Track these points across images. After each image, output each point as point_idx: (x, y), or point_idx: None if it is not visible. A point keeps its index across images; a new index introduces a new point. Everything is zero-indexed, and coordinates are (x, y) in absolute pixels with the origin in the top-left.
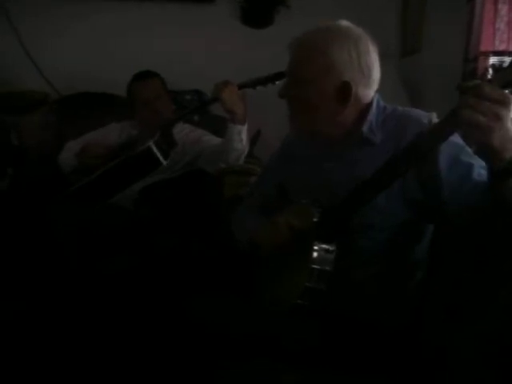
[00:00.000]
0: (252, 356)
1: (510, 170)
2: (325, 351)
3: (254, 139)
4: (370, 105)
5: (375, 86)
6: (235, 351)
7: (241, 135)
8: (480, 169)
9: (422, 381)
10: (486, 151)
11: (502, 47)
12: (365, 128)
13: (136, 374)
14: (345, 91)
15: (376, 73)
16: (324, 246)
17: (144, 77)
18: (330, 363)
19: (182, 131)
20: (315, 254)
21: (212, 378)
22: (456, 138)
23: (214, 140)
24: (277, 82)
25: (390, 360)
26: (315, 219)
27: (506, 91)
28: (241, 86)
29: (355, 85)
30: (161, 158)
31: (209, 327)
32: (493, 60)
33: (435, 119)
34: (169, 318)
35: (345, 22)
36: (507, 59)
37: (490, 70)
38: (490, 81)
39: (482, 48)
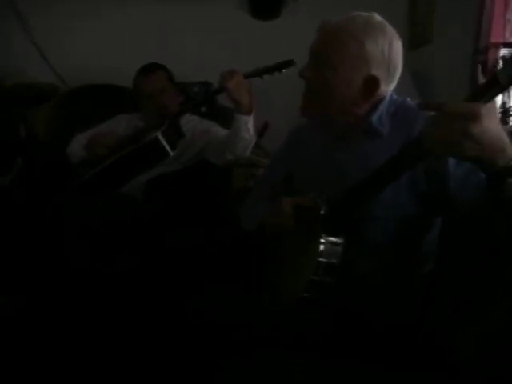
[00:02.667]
0: (258, 349)
1: (503, 176)
2: (332, 343)
3: (261, 131)
4: (383, 98)
5: (394, 84)
6: (241, 344)
7: (247, 125)
8: None
9: (429, 371)
10: (473, 163)
11: None
12: (374, 118)
13: (140, 366)
14: (371, 85)
15: (398, 73)
16: (331, 238)
17: (148, 70)
18: (337, 355)
19: (190, 123)
20: (322, 247)
21: (217, 370)
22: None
23: (221, 131)
24: (283, 71)
25: (397, 351)
26: (322, 212)
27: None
28: (247, 76)
29: (380, 81)
30: (168, 149)
31: (217, 320)
32: (503, 51)
33: None
34: (175, 311)
35: (381, 18)
36: None
37: (500, 62)
38: (495, 74)
39: (493, 39)
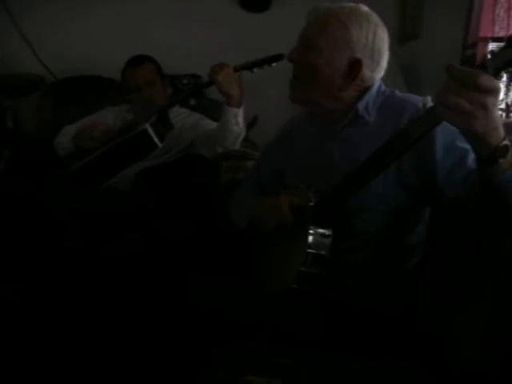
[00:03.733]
0: (250, 339)
1: (494, 157)
2: (322, 334)
3: (250, 124)
4: (371, 87)
5: (381, 73)
6: (233, 334)
7: (237, 118)
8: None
9: (418, 361)
10: (469, 137)
11: (501, 33)
12: (360, 105)
13: (134, 358)
14: (354, 68)
15: (384, 62)
16: (320, 230)
17: (136, 63)
18: (328, 346)
19: (179, 115)
20: (311, 239)
21: (210, 361)
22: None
23: (211, 124)
24: (273, 64)
25: (387, 341)
26: (312, 203)
27: (495, 80)
28: (237, 69)
29: (364, 66)
30: (156, 141)
31: (208, 310)
32: (492, 46)
33: (430, 103)
34: (168, 301)
35: (368, 9)
36: None
37: (489, 56)
38: (484, 66)
39: (482, 34)
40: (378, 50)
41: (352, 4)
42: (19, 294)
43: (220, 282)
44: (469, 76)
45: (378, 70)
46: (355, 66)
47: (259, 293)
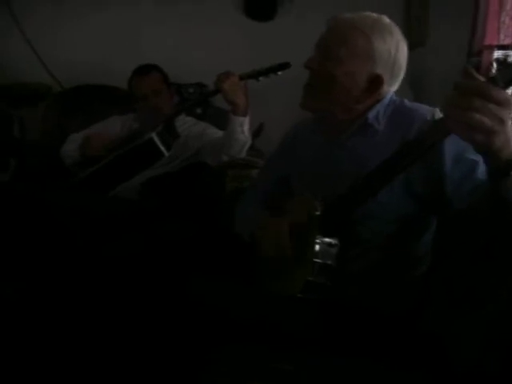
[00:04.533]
0: (251, 342)
1: (507, 170)
2: (323, 335)
3: (256, 132)
4: (384, 98)
5: (397, 86)
6: (234, 336)
7: (243, 127)
8: (484, 167)
9: (424, 368)
10: (484, 152)
11: (506, 41)
12: (370, 115)
13: (134, 358)
14: (375, 83)
15: (402, 75)
16: (326, 239)
17: (143, 71)
18: (330, 349)
19: (185, 124)
20: (317, 248)
21: (209, 362)
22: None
23: (217, 133)
24: (279, 73)
25: (389, 344)
26: (317, 213)
27: (508, 92)
28: (243, 77)
29: (384, 81)
30: (163, 149)
31: (209, 312)
32: (497, 54)
33: (438, 115)
34: (168, 302)
35: (390, 21)
36: None
37: (495, 64)
38: (493, 78)
39: (487, 42)
40: (398, 65)
41: (375, 15)
42: (19, 294)
43: (220, 282)
44: (485, 90)
45: (396, 83)
46: (375, 81)
47: (259, 293)
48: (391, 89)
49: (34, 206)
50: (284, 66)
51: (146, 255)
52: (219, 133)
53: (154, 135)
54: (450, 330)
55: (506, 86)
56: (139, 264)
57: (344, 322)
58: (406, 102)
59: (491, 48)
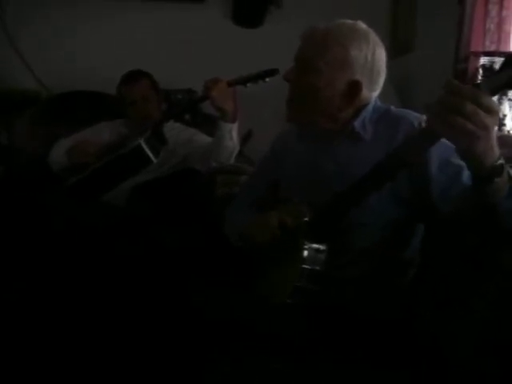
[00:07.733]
0: (247, 348)
1: (490, 176)
2: (318, 344)
3: (245, 139)
4: (367, 104)
5: (378, 91)
6: (230, 343)
7: (231, 133)
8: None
9: (414, 370)
10: (467, 157)
11: (492, 48)
12: (357, 123)
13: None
14: (354, 90)
15: (382, 80)
16: (315, 245)
17: (132, 78)
18: (323, 355)
19: (173, 130)
20: (306, 254)
21: (206, 370)
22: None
23: (205, 139)
24: (267, 79)
25: (382, 347)
26: (306, 219)
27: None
28: (231, 84)
29: (363, 87)
30: (151, 156)
31: (205, 319)
32: (483, 60)
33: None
34: (168, 308)
35: (366, 26)
36: (497, 60)
37: (481, 71)
38: (478, 85)
39: (473, 48)
40: (376, 70)
41: (350, 22)
42: (19, 294)
43: (216, 290)
44: (477, 97)
45: (376, 88)
46: (354, 87)
47: (257, 300)
48: (373, 94)
49: (22, 211)
50: (272, 73)
51: (144, 262)
52: (208, 139)
53: (142, 141)
54: (441, 333)
55: (492, 94)
56: (139, 270)
57: (334, 328)
58: (393, 108)
59: (477, 54)
